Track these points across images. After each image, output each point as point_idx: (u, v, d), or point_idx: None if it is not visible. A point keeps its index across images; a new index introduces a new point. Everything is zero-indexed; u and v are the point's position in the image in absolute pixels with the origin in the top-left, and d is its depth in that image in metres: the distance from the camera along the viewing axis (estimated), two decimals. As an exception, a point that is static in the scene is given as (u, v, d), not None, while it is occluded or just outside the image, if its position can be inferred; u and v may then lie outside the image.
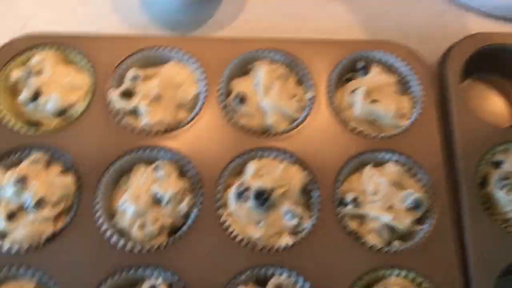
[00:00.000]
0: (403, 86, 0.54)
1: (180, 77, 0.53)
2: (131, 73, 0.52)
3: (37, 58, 0.52)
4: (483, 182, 0.50)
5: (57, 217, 0.47)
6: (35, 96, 0.50)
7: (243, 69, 0.54)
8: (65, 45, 0.53)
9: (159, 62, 0.54)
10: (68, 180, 0.48)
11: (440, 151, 0.50)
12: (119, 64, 0.52)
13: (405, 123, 0.51)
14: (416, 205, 0.47)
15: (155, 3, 0.60)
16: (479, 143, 0.50)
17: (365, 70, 0.53)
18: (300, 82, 0.54)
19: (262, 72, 0.52)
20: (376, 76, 0.53)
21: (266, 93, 0.51)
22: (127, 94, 0.51)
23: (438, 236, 0.46)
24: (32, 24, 0.58)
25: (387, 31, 0.60)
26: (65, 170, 0.49)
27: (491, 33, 0.55)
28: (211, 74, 0.52)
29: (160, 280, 0.44)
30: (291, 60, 0.53)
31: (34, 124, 0.51)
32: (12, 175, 0.47)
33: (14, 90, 0.52)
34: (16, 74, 0.52)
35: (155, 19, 0.59)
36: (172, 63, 0.53)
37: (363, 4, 0.61)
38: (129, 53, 0.53)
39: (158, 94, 0.51)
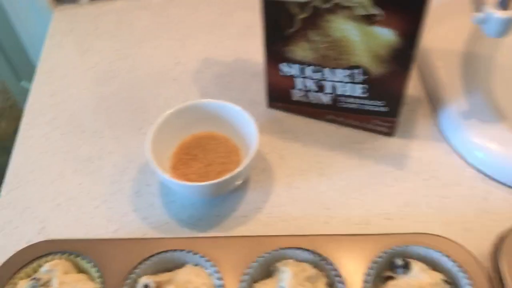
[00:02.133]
0: (451, 286, 0.46)
1: (196, 284, 0.47)
2: (141, 283, 0.47)
3: (45, 267, 0.49)
4: None
5: None
6: (37, 314, 0.46)
7: (266, 271, 0.49)
8: (76, 252, 0.50)
9: (173, 266, 0.50)
10: None
11: None
12: (129, 272, 0.48)
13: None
14: None
15: (176, 200, 0.58)
16: None
17: (405, 268, 0.46)
18: (330, 284, 0.47)
19: (287, 274, 0.46)
20: (418, 275, 0.46)
21: (292, 301, 0.45)
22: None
23: None
24: (50, 227, 0.57)
25: (423, 217, 0.54)
26: None
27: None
28: (229, 279, 0.47)
29: None
30: (320, 260, 0.48)
31: None
32: None
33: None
34: (21, 286, 0.48)
35: (175, 216, 0.57)
36: (188, 268, 0.49)
37: (396, 191, 0.57)
38: (141, 259, 0.49)
39: (171, 306, 0.45)
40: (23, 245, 0.55)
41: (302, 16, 0.53)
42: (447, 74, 0.64)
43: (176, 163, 0.59)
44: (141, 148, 0.64)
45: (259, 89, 0.69)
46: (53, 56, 0.77)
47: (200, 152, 0.59)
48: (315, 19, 0.53)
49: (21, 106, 1.99)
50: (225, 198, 0.58)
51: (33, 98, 0.71)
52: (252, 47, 0.76)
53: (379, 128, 0.61)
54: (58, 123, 0.68)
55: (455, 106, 0.61)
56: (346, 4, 0.50)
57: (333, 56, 0.55)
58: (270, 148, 0.62)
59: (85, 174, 0.61)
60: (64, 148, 0.64)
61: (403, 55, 0.52)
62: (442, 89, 0.63)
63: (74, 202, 0.59)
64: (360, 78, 0.56)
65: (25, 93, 1.80)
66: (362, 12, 0.50)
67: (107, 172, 0.61)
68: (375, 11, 0.50)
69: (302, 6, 0.52)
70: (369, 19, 0.51)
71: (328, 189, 0.57)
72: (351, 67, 0.56)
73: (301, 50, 0.56)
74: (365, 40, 0.52)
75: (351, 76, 0.56)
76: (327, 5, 0.51)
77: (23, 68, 1.62)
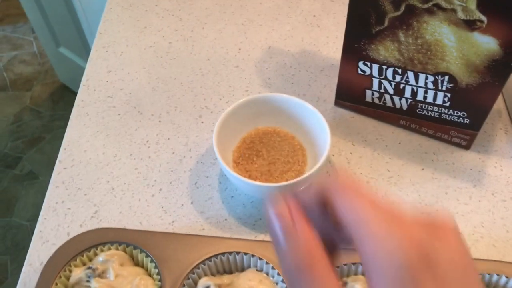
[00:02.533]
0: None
1: (259, 291, 0.45)
2: (202, 284, 0.45)
3: (102, 257, 0.47)
4: None
5: None
6: (93, 304, 0.44)
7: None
8: (134, 244, 0.48)
9: (235, 268, 0.48)
10: None
11: None
12: (189, 272, 0.46)
13: None
14: None
15: (236, 196, 0.55)
16: None
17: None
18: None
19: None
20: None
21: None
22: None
23: None
24: (103, 211, 0.54)
25: (499, 242, 0.51)
26: None
27: None
28: (295, 290, 0.44)
29: None
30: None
31: (86, 337, 0.44)
32: None
33: (72, 292, 0.46)
34: (76, 273, 0.46)
35: (234, 213, 0.54)
36: (251, 273, 0.46)
37: (470, 210, 0.53)
38: (202, 258, 0.47)
39: (232, 313, 0.43)
40: (76, 227, 0.54)
41: (394, 14, 0.49)
42: (534, 88, 0.60)
43: (238, 157, 0.56)
44: (200, 136, 0.61)
45: (325, 85, 0.66)
46: (110, 30, 0.74)
47: (264, 148, 0.56)
48: (408, 18, 0.48)
49: (58, 71, 1.98)
50: (287, 199, 0.55)
51: (89, 72, 0.69)
52: (320, 39, 0.72)
53: (456, 140, 0.57)
54: (114, 102, 0.65)
55: (542, 124, 0.56)
56: (447, 6, 0.46)
57: (421, 60, 0.51)
58: (337, 150, 0.59)
59: (141, 159, 0.59)
60: (120, 130, 0.62)
61: (501, 67, 0.48)
62: (528, 104, 0.58)
63: (129, 187, 0.56)
64: (445, 85, 0.52)
65: (63, 59, 1.79)
66: (463, 16, 0.46)
67: (165, 159, 0.59)
68: (478, 16, 0.45)
69: (397, 3, 0.48)
70: (469, 25, 0.46)
71: (398, 200, 0.54)
72: (438, 73, 0.51)
73: (385, 50, 0.52)
74: (461, 46, 0.48)
75: (435, 82, 0.52)
76: (425, 5, 0.47)
77: (64, 34, 1.60)
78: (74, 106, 0.65)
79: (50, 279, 0.46)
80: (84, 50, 1.55)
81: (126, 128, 0.62)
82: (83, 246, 0.48)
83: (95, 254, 0.48)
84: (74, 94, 2.01)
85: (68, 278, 0.47)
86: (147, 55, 0.71)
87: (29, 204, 1.73)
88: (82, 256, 0.48)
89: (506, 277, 0.44)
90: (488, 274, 0.45)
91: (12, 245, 1.63)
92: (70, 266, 0.47)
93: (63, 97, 2.06)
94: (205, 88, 0.66)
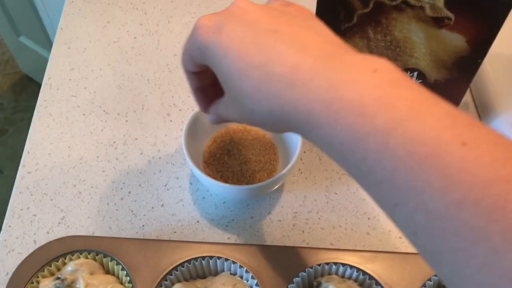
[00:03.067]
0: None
1: (234, 295, 0.45)
2: (176, 291, 0.44)
3: (70, 267, 0.45)
4: None
5: None
6: (63, 318, 0.43)
7: (308, 285, 0.46)
8: (103, 252, 0.47)
9: (208, 272, 0.47)
10: None
11: None
12: (162, 278, 0.45)
13: None
14: None
15: (207, 197, 0.54)
16: None
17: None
18: (377, 305, 0.45)
19: (332, 294, 0.44)
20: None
21: (338, 322, 0.42)
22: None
23: None
24: (71, 217, 0.53)
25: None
26: None
27: None
28: (269, 292, 0.44)
29: None
30: (367, 279, 0.45)
31: None
32: None
33: (41, 304, 0.45)
34: (44, 285, 0.45)
35: (206, 215, 0.53)
36: (224, 277, 0.46)
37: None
38: (174, 263, 0.46)
39: (207, 319, 0.42)
40: (43, 235, 0.52)
41: (363, 11, 0.48)
42: (500, 82, 0.60)
43: (209, 157, 0.55)
44: (169, 136, 0.59)
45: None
46: (72, 25, 0.71)
47: (235, 147, 0.55)
48: (377, 15, 0.48)
49: (19, 62, 1.91)
50: (259, 199, 0.54)
51: (51, 70, 0.66)
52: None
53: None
54: (78, 102, 0.63)
55: (507, 117, 0.57)
56: (416, 3, 0.46)
57: (390, 57, 0.51)
58: (308, 146, 0.58)
59: (109, 161, 0.57)
60: (85, 130, 0.60)
61: (469, 63, 0.48)
62: (494, 97, 0.59)
63: (97, 191, 0.55)
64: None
65: (24, 49, 1.72)
66: (431, 13, 0.46)
67: (133, 161, 0.57)
68: (446, 14, 0.45)
69: (365, 0, 0.47)
70: (438, 22, 0.46)
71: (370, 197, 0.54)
72: (407, 69, 0.51)
73: (355, 46, 0.52)
74: (429, 43, 0.48)
75: (405, 78, 0.52)
76: (393, 3, 0.46)
77: (24, 23, 1.53)
78: (36, 107, 0.62)
79: (16, 292, 0.44)
80: (46, 40, 1.49)
81: (91, 128, 0.60)
82: (51, 256, 0.47)
83: (64, 264, 0.47)
84: (38, 84, 1.95)
85: (35, 290, 0.45)
86: (111, 51, 0.68)
87: (-6, 199, 1.68)
88: (50, 266, 0.46)
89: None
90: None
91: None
92: (38, 277, 0.46)
93: (26, 88, 1.99)
94: (173, 85, 0.64)
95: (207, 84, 0.40)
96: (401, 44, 0.49)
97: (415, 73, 0.51)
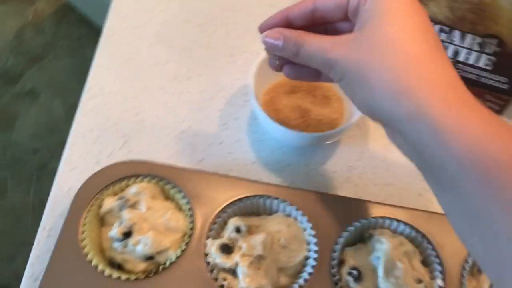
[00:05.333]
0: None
1: (288, 235, 0.46)
2: (233, 224, 0.46)
3: (134, 189, 0.47)
4: None
5: None
6: (126, 234, 0.45)
7: (359, 235, 0.47)
8: (166, 179, 0.48)
9: (263, 211, 0.49)
10: None
11: None
12: (220, 210, 0.47)
13: None
14: None
15: (264, 140, 0.55)
16: None
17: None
18: (425, 263, 0.46)
19: (386, 246, 0.45)
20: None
21: (388, 273, 0.43)
22: (227, 249, 0.44)
23: None
24: (132, 142, 0.54)
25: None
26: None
27: None
28: (322, 237, 0.46)
29: None
30: (420, 236, 0.46)
31: (116, 264, 0.45)
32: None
33: (104, 220, 0.47)
34: (108, 203, 0.47)
35: (262, 157, 0.54)
36: (279, 217, 0.47)
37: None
38: (233, 199, 0.47)
39: (261, 254, 0.44)
40: (105, 157, 0.54)
41: (453, -31, 0.47)
42: None
43: (271, 102, 0.55)
44: (231, 77, 0.60)
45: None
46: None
47: (299, 95, 0.56)
48: (467, -25, 0.47)
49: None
50: (316, 148, 0.55)
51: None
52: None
53: (489, 104, 0.57)
54: (144, 32, 0.63)
55: None
56: (512, -34, 0.44)
57: (472, 20, 0.50)
58: (369, 103, 0.58)
59: (172, 94, 0.58)
60: (150, 61, 0.61)
61: (554, 36, 0.47)
62: None
63: (159, 121, 0.56)
64: (491, 49, 0.51)
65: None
66: (527, -21, 0.44)
67: (195, 97, 0.58)
68: (542, -20, 0.44)
69: (458, -42, 0.46)
70: (531, -12, 0.45)
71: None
72: (486, 35, 0.50)
73: (437, 6, 0.51)
74: (517, 10, 0.47)
75: (482, 44, 0.51)
76: (488, -37, 0.45)
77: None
78: (103, 32, 0.63)
79: (82, 206, 0.46)
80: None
81: (156, 60, 0.61)
82: (116, 176, 0.49)
83: (127, 185, 0.49)
84: (79, 14, 1.95)
85: (100, 206, 0.47)
86: (179, -16, 0.68)
87: (29, 123, 1.72)
88: (115, 186, 0.48)
89: None
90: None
91: (12, 162, 1.64)
92: (103, 195, 0.48)
93: (67, 15, 1.99)
94: (238, 26, 0.64)
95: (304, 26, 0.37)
96: (487, 8, 0.48)
97: (495, 41, 0.50)
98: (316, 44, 0.33)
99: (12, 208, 1.53)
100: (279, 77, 0.57)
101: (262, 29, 0.38)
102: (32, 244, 0.48)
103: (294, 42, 0.35)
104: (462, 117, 0.27)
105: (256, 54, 0.60)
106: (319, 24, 0.36)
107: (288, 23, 0.37)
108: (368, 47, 0.30)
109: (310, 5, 0.36)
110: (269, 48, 0.37)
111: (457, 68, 0.55)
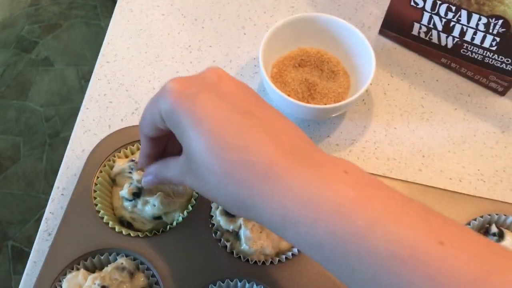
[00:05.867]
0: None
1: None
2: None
3: (144, 152, 0.50)
4: None
5: None
6: (136, 195, 0.48)
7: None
8: (175, 144, 0.51)
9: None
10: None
11: None
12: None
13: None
14: None
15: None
16: None
17: (499, 237, 0.47)
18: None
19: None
20: (510, 246, 0.46)
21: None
22: (231, 213, 0.47)
23: None
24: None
25: (518, 188, 0.54)
26: (150, 284, 0.44)
27: None
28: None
29: None
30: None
31: (126, 223, 0.48)
32: (94, 279, 0.43)
33: (116, 180, 0.50)
34: (120, 164, 0.50)
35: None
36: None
37: (496, 154, 0.55)
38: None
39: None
40: (117, 121, 0.56)
41: None
42: None
43: (279, 74, 0.57)
44: (241, 48, 0.61)
45: (372, 12, 0.65)
46: None
47: (307, 68, 0.57)
48: (477, -45, 0.47)
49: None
50: (320, 121, 0.57)
51: (133, -33, 0.67)
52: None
53: (493, 85, 0.58)
54: (157, 2, 0.65)
55: None
56: None
57: (478, 0, 0.51)
58: (375, 79, 0.60)
59: (183, 63, 0.60)
60: (163, 31, 0.62)
61: (560, 18, 0.48)
62: None
63: (169, 90, 0.58)
64: (497, 29, 0.52)
65: None
66: (535, -40, 0.45)
67: (205, 66, 0.59)
68: (551, -38, 0.44)
69: None
70: (539, -30, 0.45)
71: (427, 136, 0.56)
72: (492, 16, 0.51)
73: (445, -15, 0.51)
74: (524, -9, 0.47)
75: (487, 25, 0.52)
76: None
77: None
78: (117, 2, 0.64)
79: (95, 166, 0.49)
80: None
81: (169, 29, 0.62)
82: (127, 140, 0.51)
83: (138, 149, 0.51)
84: (96, -16, 1.96)
85: (111, 167, 0.50)
86: (193, -44, 0.69)
87: (43, 90, 1.75)
88: (126, 149, 0.50)
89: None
90: (497, 214, 0.48)
91: (25, 128, 1.67)
92: (114, 156, 0.50)
93: (83, -15, 2.00)
94: (250, -1, 0.65)
95: (160, 151, 0.39)
96: (494, -11, 0.49)
97: (500, 21, 0.51)
98: (171, 174, 0.36)
99: (24, 174, 1.57)
100: (288, 50, 0.58)
101: (139, 167, 0.42)
102: (44, 209, 0.51)
103: (160, 177, 0.38)
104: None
105: (266, 27, 0.62)
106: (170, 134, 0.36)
107: (153, 158, 0.39)
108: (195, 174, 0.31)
109: (147, 154, 0.39)
110: (148, 185, 0.41)
111: (463, 47, 0.56)
